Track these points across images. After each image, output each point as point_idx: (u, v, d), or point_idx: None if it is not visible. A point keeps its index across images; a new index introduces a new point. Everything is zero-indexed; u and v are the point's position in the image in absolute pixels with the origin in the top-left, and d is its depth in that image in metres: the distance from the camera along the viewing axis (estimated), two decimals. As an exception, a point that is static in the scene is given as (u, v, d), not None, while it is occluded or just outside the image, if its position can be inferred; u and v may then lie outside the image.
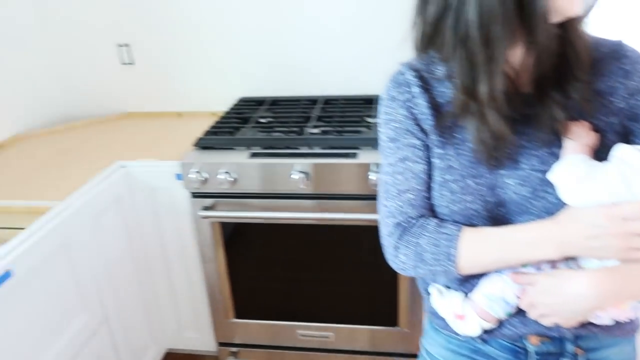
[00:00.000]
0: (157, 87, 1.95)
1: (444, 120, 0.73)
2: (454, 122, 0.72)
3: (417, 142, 0.74)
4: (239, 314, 1.62)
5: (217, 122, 1.64)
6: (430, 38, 0.69)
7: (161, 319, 1.70)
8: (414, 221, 0.74)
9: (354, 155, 1.37)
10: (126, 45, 1.89)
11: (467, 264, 0.70)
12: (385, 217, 0.76)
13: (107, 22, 1.86)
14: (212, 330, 1.66)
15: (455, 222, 0.73)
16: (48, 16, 1.87)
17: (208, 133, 1.55)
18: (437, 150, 0.73)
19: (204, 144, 1.49)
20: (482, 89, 0.65)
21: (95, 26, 1.88)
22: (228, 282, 1.57)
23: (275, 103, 1.82)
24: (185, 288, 1.63)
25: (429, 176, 0.75)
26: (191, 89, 1.93)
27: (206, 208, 1.44)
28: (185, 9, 1.80)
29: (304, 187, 1.37)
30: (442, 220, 0.74)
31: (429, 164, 0.74)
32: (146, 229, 1.56)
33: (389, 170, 0.77)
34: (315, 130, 1.51)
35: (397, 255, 0.74)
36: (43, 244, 1.15)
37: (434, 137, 0.73)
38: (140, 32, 1.86)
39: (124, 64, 1.92)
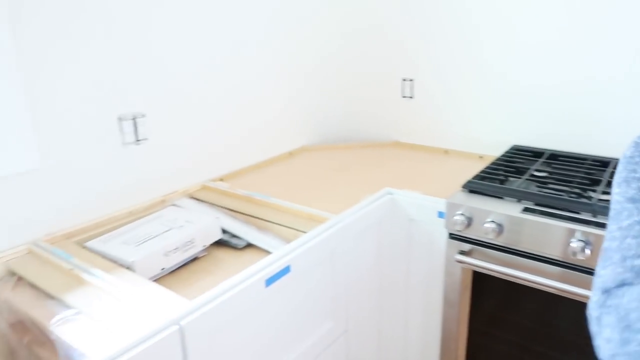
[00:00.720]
0: (429, 122, 2.01)
1: None
2: None
3: None
4: (469, 370, 1.53)
5: (488, 167, 1.59)
6: None
7: (389, 348, 1.72)
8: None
9: (655, 237, 1.15)
10: (410, 80, 2.00)
11: None
12: (595, 288, 0.60)
13: (398, 58, 2.00)
14: (437, 377, 1.61)
15: None
16: (343, 51, 2.12)
17: (477, 177, 1.51)
18: None
19: (472, 188, 1.46)
20: None
21: (386, 62, 2.04)
22: (466, 333, 1.50)
23: (553, 157, 1.68)
24: (420, 325, 1.62)
25: None
26: (462, 128, 1.93)
27: (463, 253, 1.40)
28: (470, 50, 1.81)
29: (582, 259, 1.21)
30: None
31: None
32: (397, 256, 1.60)
33: (617, 235, 0.61)
34: (606, 197, 1.33)
35: (600, 330, 0.55)
36: (316, 249, 1.28)
37: None
38: (425, 69, 1.95)
39: (404, 96, 2.04)
